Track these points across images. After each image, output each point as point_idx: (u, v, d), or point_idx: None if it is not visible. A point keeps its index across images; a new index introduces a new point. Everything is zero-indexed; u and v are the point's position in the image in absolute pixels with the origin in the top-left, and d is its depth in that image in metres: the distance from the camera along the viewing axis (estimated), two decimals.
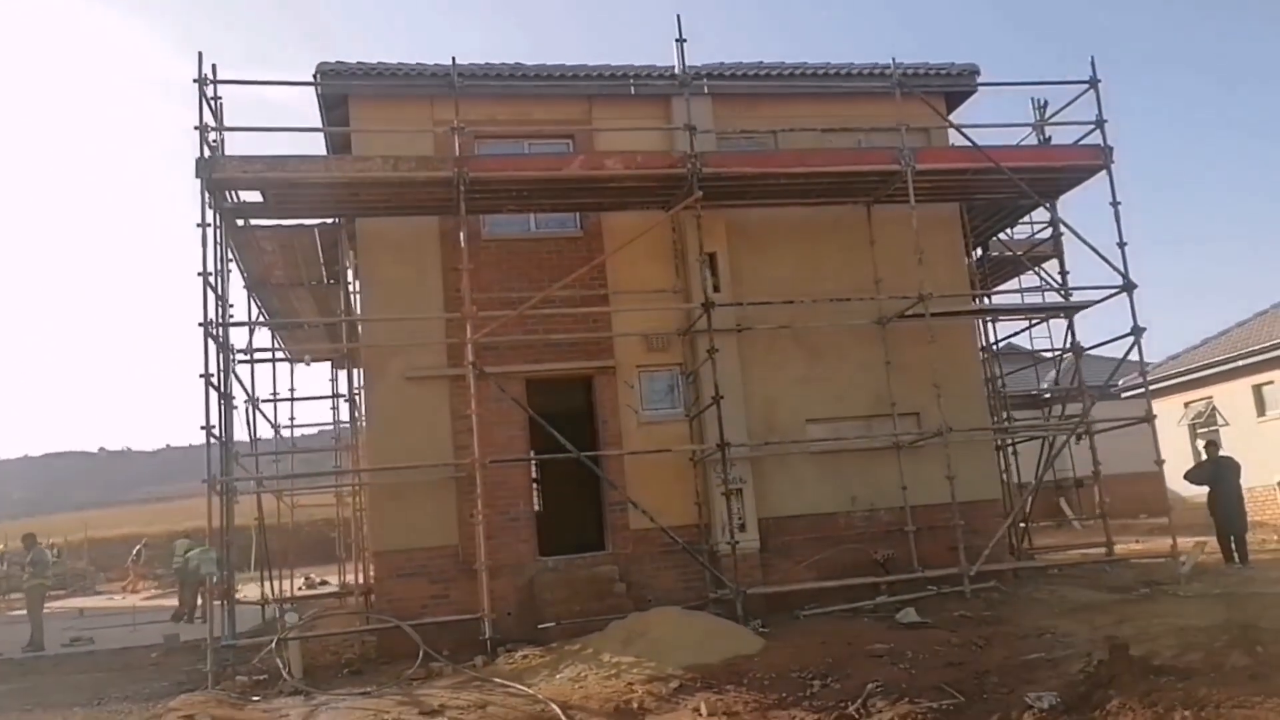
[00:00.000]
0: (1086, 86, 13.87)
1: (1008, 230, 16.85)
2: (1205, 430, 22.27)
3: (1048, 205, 14.74)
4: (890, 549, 13.19)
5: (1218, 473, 14.74)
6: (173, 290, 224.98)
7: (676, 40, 12.96)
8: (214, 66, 12.03)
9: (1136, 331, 13.68)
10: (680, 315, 13.49)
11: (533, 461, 14.00)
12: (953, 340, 13.88)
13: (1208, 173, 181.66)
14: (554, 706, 8.04)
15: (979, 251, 16.57)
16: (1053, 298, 15.63)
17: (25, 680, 12.50)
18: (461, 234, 12.12)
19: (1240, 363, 21.28)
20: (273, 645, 10.93)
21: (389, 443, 12.62)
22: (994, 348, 16.49)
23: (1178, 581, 12.43)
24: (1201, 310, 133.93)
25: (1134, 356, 13.97)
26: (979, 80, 14.72)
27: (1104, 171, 13.75)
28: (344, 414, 19.04)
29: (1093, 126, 13.90)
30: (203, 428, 11.18)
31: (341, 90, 13.24)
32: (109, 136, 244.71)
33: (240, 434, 13.65)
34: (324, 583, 24.66)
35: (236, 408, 12.93)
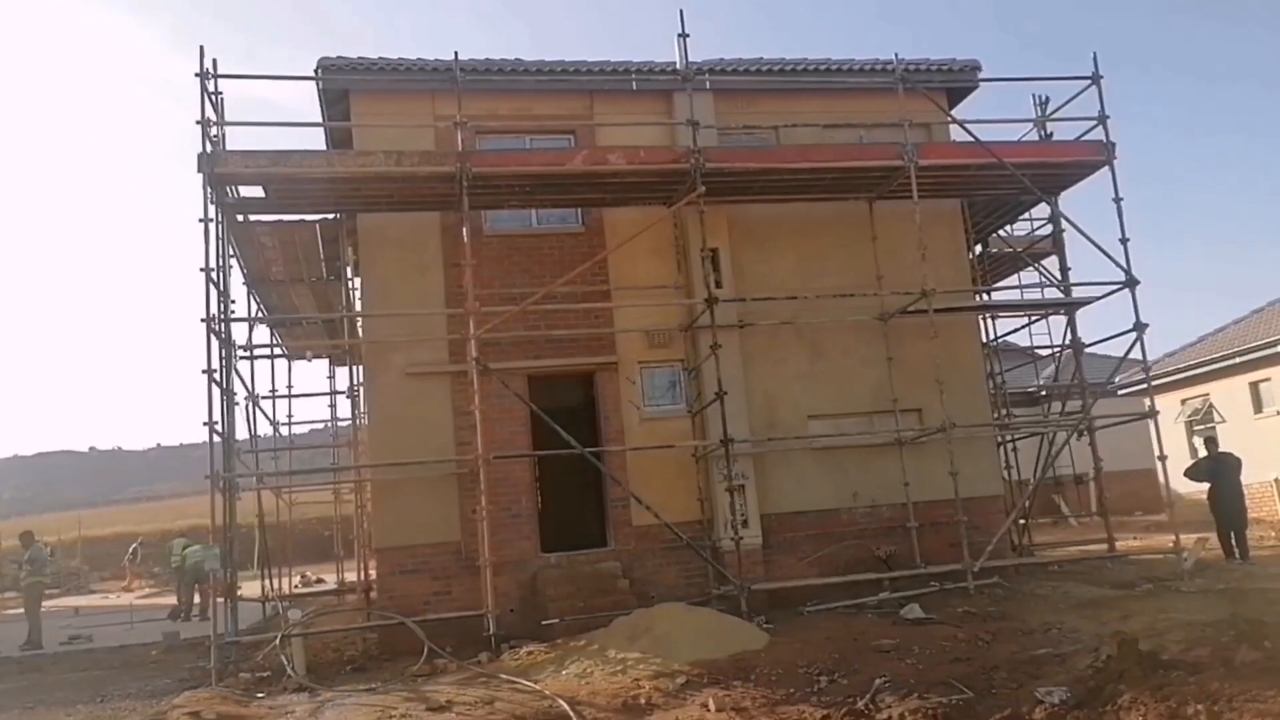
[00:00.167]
0: (1089, 82, 13.86)
1: (1007, 227, 16.86)
2: (1202, 427, 22.34)
3: (1051, 201, 14.74)
4: (892, 545, 13.20)
5: (1218, 469, 14.79)
6: (164, 289, 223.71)
7: (679, 35, 12.96)
8: (214, 61, 11.99)
9: (1139, 327, 13.68)
10: (682, 311, 13.47)
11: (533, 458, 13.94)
12: (954, 336, 13.87)
13: (1200, 173, 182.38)
14: (562, 702, 8.00)
15: (978, 248, 16.57)
16: (1052, 294, 15.65)
17: (25, 678, 12.42)
18: (464, 229, 12.07)
19: (1237, 360, 21.35)
20: (276, 642, 10.88)
21: (391, 439, 12.57)
22: (994, 344, 16.49)
23: (1180, 577, 12.45)
24: (1196, 309, 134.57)
25: (1135, 353, 13.98)
26: (980, 76, 14.72)
27: (1106, 167, 13.75)
28: (341, 411, 19.04)
29: (1095, 122, 13.90)
30: (205, 423, 11.13)
31: (342, 85, 13.19)
32: (103, 136, 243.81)
33: (239, 431, 13.59)
34: (319, 581, 24.60)
35: (238, 404, 12.89)
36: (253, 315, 15.68)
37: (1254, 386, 21.60)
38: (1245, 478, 15.21)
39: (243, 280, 15.40)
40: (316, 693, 9.21)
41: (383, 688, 9.30)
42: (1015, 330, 17.21)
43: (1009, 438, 15.75)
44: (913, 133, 13.29)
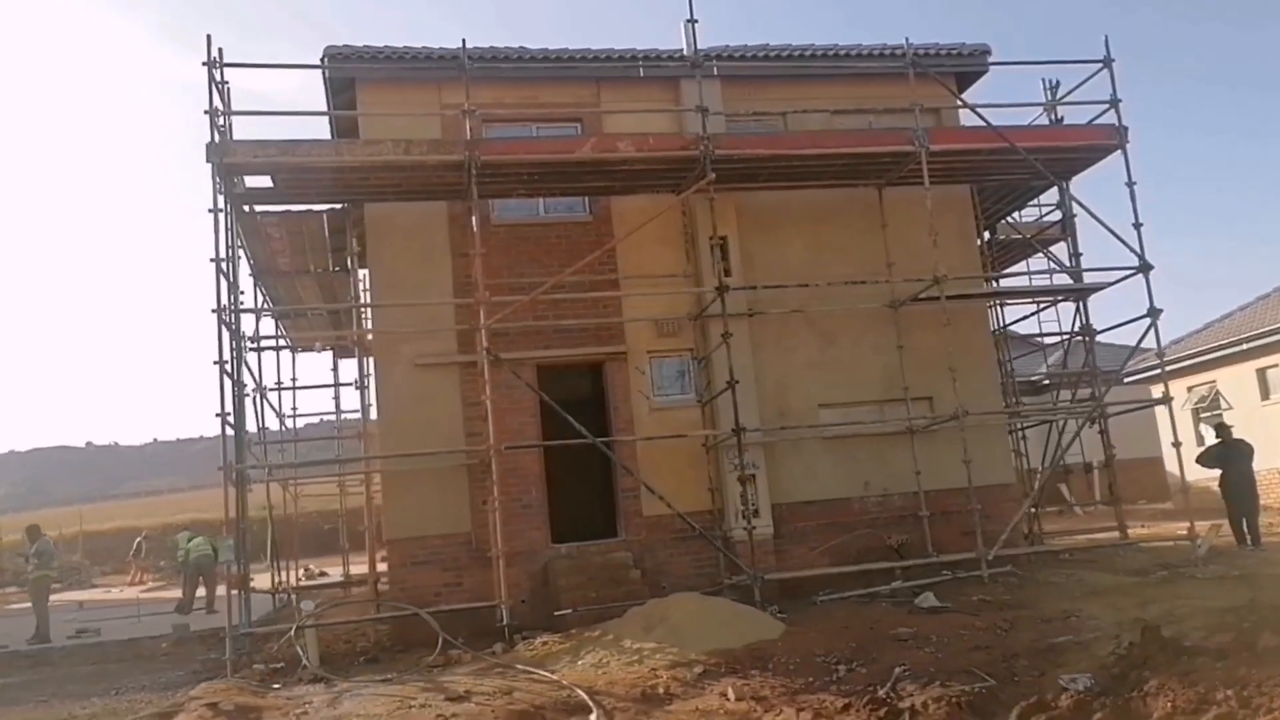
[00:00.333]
0: (1100, 66, 13.76)
1: (1015, 214, 16.77)
2: (1209, 414, 22.27)
3: (1063, 185, 14.65)
4: (904, 534, 13.15)
5: (1230, 456, 14.73)
6: (161, 284, 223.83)
7: (687, 20, 12.88)
8: (220, 50, 11.89)
9: (1153, 312, 13.62)
10: (691, 300, 13.40)
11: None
12: (965, 323, 13.82)
13: (1208, 167, 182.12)
14: (581, 692, 7.95)
15: (986, 235, 16.48)
16: (1062, 280, 15.56)
17: (36, 672, 12.39)
18: (473, 218, 11.99)
19: (1244, 346, 21.24)
20: (290, 633, 10.84)
21: (400, 430, 12.51)
22: (1003, 331, 16.41)
23: (1194, 564, 12.41)
24: (1201, 297, 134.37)
25: (1149, 340, 13.95)
26: (990, 60, 14.61)
27: (1119, 151, 13.66)
28: (346, 403, 18.93)
29: (1107, 106, 13.81)
30: (218, 415, 11.07)
31: (349, 74, 13.10)
32: (100, 136, 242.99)
33: (247, 423, 13.53)
34: (323, 574, 24.50)
35: (248, 395, 12.82)
36: (259, 307, 15.58)
37: (1261, 373, 21.49)
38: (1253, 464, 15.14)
39: (249, 272, 15.32)
40: (333, 683, 9.17)
41: (399, 678, 9.27)
42: (1024, 318, 17.13)
43: (1019, 426, 15.68)
44: (923, 118, 13.22)
